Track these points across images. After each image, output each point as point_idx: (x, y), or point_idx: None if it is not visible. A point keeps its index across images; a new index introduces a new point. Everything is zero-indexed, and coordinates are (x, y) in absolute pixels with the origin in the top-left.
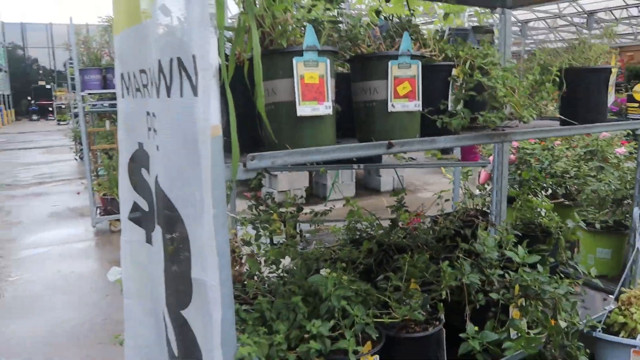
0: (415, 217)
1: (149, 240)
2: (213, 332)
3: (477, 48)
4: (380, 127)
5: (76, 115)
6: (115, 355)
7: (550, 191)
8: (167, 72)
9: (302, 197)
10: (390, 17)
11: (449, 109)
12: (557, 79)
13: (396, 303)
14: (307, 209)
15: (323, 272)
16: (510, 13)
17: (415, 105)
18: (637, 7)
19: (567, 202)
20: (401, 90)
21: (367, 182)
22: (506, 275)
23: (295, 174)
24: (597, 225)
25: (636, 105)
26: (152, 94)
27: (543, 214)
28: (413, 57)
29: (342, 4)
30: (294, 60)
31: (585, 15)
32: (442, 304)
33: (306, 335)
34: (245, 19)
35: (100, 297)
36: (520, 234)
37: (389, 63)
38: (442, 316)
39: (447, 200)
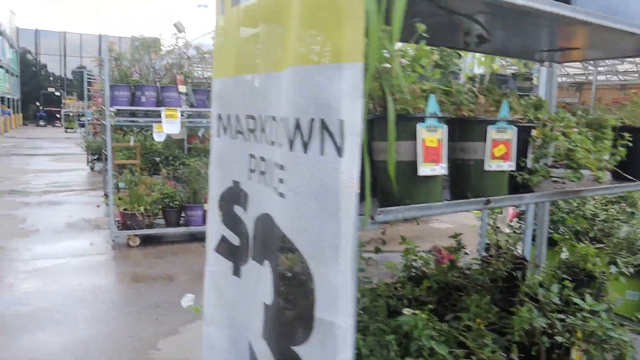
0: (449, 253)
1: (236, 273)
2: None
3: (556, 112)
4: (475, 184)
5: (82, 125)
6: None
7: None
8: (306, 130)
9: None
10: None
11: (528, 165)
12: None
13: (474, 343)
14: None
15: (406, 311)
16: (557, 67)
17: (509, 165)
18: None
19: (598, 245)
20: (497, 152)
21: None
22: (566, 319)
23: None
24: (631, 270)
25: None
26: (280, 144)
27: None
28: (509, 122)
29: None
30: (418, 126)
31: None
32: (515, 346)
33: None
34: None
35: (122, 313)
36: (570, 279)
37: (488, 127)
38: (516, 358)
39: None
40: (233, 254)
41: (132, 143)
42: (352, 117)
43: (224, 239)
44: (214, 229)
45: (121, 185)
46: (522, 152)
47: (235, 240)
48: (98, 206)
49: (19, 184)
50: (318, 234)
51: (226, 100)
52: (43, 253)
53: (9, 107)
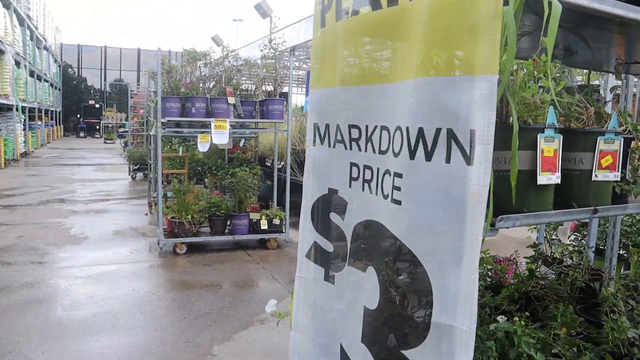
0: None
1: (327, 278)
2: None
3: None
4: (580, 193)
5: (121, 136)
6: None
7: None
8: (430, 139)
9: None
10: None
11: (627, 177)
12: None
13: (569, 352)
14: None
15: (500, 318)
16: (632, 79)
17: (615, 176)
18: None
19: None
20: (604, 163)
21: None
22: None
23: None
24: None
25: None
26: (395, 152)
27: None
28: (617, 133)
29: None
30: (539, 136)
31: None
32: (610, 356)
33: None
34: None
35: (176, 319)
36: None
37: (598, 139)
38: None
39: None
40: (325, 260)
41: (181, 153)
42: (483, 127)
43: (315, 245)
44: (306, 235)
45: (168, 194)
46: (622, 164)
47: (328, 246)
48: (146, 214)
49: (65, 193)
50: (440, 239)
51: (325, 111)
52: (95, 259)
53: (51, 119)
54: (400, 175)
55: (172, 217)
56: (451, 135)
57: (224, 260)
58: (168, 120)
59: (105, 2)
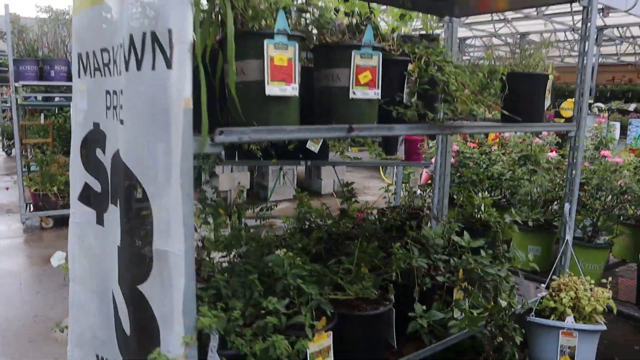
0: (360, 211)
1: (99, 221)
2: (174, 301)
3: (431, 47)
4: (340, 113)
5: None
6: (47, 352)
7: (487, 193)
8: (139, 45)
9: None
10: (351, 14)
11: (404, 101)
12: (501, 82)
13: (348, 284)
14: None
15: (279, 252)
16: (457, 22)
17: (375, 93)
18: (564, 31)
19: (502, 202)
20: (362, 79)
21: (309, 185)
22: (451, 260)
23: (237, 174)
24: (530, 223)
25: (562, 120)
26: (119, 70)
27: (482, 210)
28: (375, 48)
29: None
30: (265, 42)
31: (519, 36)
32: (392, 286)
33: (262, 312)
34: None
35: (31, 294)
36: (463, 227)
37: (352, 52)
38: (392, 297)
39: (390, 192)
40: (96, 201)
41: (42, 121)
42: (180, 25)
43: (86, 187)
44: (77, 176)
45: (34, 167)
46: (399, 87)
47: (97, 186)
48: (7, 189)
49: None
50: (153, 158)
51: (84, 37)
52: None
53: None
54: (122, 92)
55: (35, 190)
56: (154, 38)
57: None
58: (23, 85)
59: None
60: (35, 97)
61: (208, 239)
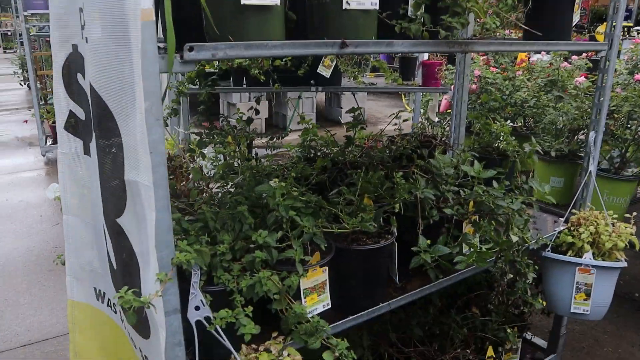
0: (370, 138)
1: (86, 151)
2: (148, 236)
3: None
4: (333, 27)
5: (22, 43)
6: (65, 281)
7: (509, 121)
8: None
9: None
10: None
11: (409, 14)
12: None
13: (347, 216)
14: (265, 139)
15: (272, 182)
16: None
17: (371, 3)
18: None
19: (524, 131)
20: None
21: (328, 114)
22: (461, 192)
23: (255, 103)
24: (553, 153)
25: None
26: None
27: (501, 138)
28: None
29: None
30: None
31: None
32: (395, 218)
33: (252, 246)
34: None
35: (50, 225)
36: (477, 156)
37: None
38: (395, 230)
39: (404, 120)
40: (81, 130)
41: None
42: None
43: (72, 115)
44: (62, 104)
45: (50, 99)
46: None
47: (81, 114)
48: (25, 121)
49: None
50: (119, 77)
51: None
52: None
53: None
54: (84, 7)
55: (54, 122)
56: None
57: None
58: (32, 14)
59: None
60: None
61: (195, 168)
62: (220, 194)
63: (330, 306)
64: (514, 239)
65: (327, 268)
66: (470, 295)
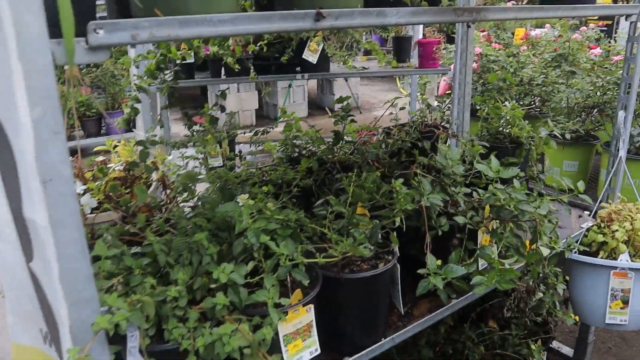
0: (363, 129)
1: None
2: (57, 291)
3: None
4: None
5: None
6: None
7: (515, 102)
8: None
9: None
10: None
11: None
12: None
13: (337, 235)
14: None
15: (240, 199)
16: None
17: None
18: None
19: (533, 112)
20: None
21: (320, 102)
22: (474, 194)
23: (244, 94)
24: (568, 136)
25: None
26: None
27: (512, 123)
28: None
29: None
30: None
31: None
32: (395, 234)
33: (214, 286)
34: None
35: None
36: (488, 146)
37: None
38: (396, 249)
39: (402, 108)
40: None
41: None
42: None
43: None
44: None
45: None
46: None
47: None
48: None
49: None
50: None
51: None
52: None
53: None
54: None
55: None
56: None
57: None
58: None
59: None
60: None
61: (139, 187)
62: (177, 215)
63: (319, 352)
64: (545, 251)
65: (312, 306)
66: (485, 305)
